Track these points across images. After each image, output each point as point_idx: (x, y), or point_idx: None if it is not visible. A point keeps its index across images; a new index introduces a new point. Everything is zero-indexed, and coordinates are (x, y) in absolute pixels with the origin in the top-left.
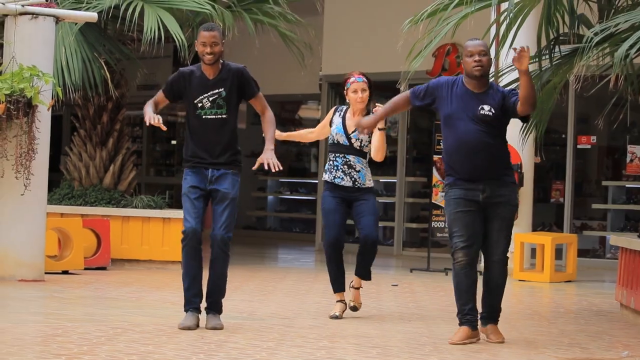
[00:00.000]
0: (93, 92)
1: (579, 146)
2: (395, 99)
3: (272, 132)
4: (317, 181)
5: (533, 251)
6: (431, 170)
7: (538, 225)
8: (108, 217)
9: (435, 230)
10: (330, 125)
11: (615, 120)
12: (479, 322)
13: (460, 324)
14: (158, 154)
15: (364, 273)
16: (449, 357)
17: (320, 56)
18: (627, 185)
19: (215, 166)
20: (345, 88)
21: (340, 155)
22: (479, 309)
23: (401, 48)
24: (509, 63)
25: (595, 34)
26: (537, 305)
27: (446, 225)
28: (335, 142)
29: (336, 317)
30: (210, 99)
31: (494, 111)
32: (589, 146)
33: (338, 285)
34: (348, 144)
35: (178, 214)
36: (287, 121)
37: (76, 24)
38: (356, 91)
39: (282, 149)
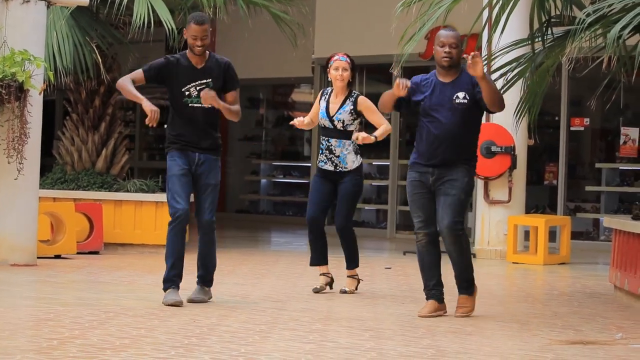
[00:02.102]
0: (85, 76)
1: (572, 128)
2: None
3: (230, 107)
4: (310, 165)
5: (526, 233)
6: None
7: (531, 207)
8: (100, 202)
9: None
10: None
11: (608, 101)
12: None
13: (427, 298)
14: (151, 138)
15: (348, 261)
16: (442, 339)
17: (312, 39)
18: (620, 167)
19: (201, 151)
20: (329, 66)
21: (325, 139)
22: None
23: (394, 31)
24: (501, 47)
25: (588, 15)
26: (531, 288)
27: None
28: (322, 125)
29: (317, 291)
30: (198, 88)
31: (468, 98)
32: (582, 128)
33: (314, 258)
34: (332, 126)
35: None
36: (280, 104)
37: (68, 8)
38: (337, 69)
39: (275, 132)
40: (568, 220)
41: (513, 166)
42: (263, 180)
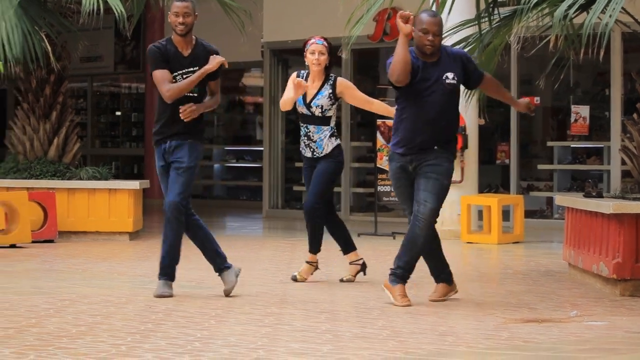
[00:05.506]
0: (35, 65)
1: None
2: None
3: (208, 103)
4: (262, 149)
5: (480, 213)
6: (375, 134)
7: (484, 187)
8: (54, 190)
9: (382, 194)
10: None
11: (558, 80)
12: (390, 280)
13: (437, 282)
14: (103, 125)
15: (310, 245)
16: (397, 320)
17: (261, 23)
18: (572, 145)
19: (172, 138)
20: (305, 50)
21: (304, 126)
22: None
23: (342, 14)
24: (448, 27)
25: None
26: (485, 267)
27: (392, 189)
28: (300, 112)
29: (294, 279)
30: (184, 76)
31: (457, 78)
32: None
33: (310, 246)
34: (309, 113)
35: (124, 184)
36: (230, 89)
37: None
38: (314, 52)
39: (226, 117)
40: (521, 199)
41: (465, 146)
42: (216, 165)
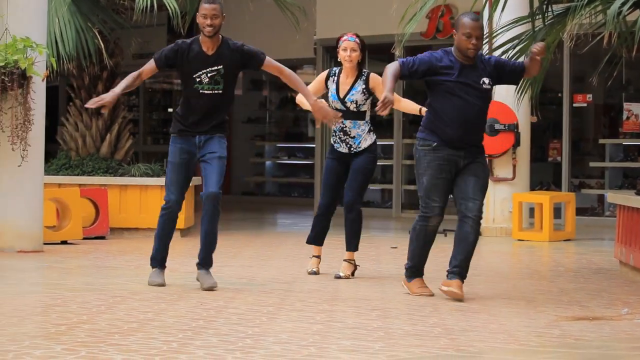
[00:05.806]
0: (87, 62)
1: (575, 104)
2: (392, 70)
3: (304, 87)
4: (314, 145)
5: (531, 210)
6: None
7: (536, 184)
8: (106, 187)
9: None
10: (326, 89)
11: (610, 77)
12: (447, 277)
13: (414, 276)
14: (155, 122)
15: (348, 243)
16: (449, 317)
17: (314, 20)
18: (624, 143)
19: (202, 133)
20: (338, 46)
21: (338, 121)
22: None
23: (395, 11)
24: (502, 24)
25: None
26: (537, 264)
27: (424, 185)
28: (334, 108)
29: (313, 273)
30: (209, 75)
31: (492, 83)
32: (585, 104)
33: (314, 239)
34: (344, 108)
35: None
36: (283, 86)
37: None
38: (346, 49)
39: (278, 114)
40: (573, 197)
41: (517, 143)
42: (268, 162)
